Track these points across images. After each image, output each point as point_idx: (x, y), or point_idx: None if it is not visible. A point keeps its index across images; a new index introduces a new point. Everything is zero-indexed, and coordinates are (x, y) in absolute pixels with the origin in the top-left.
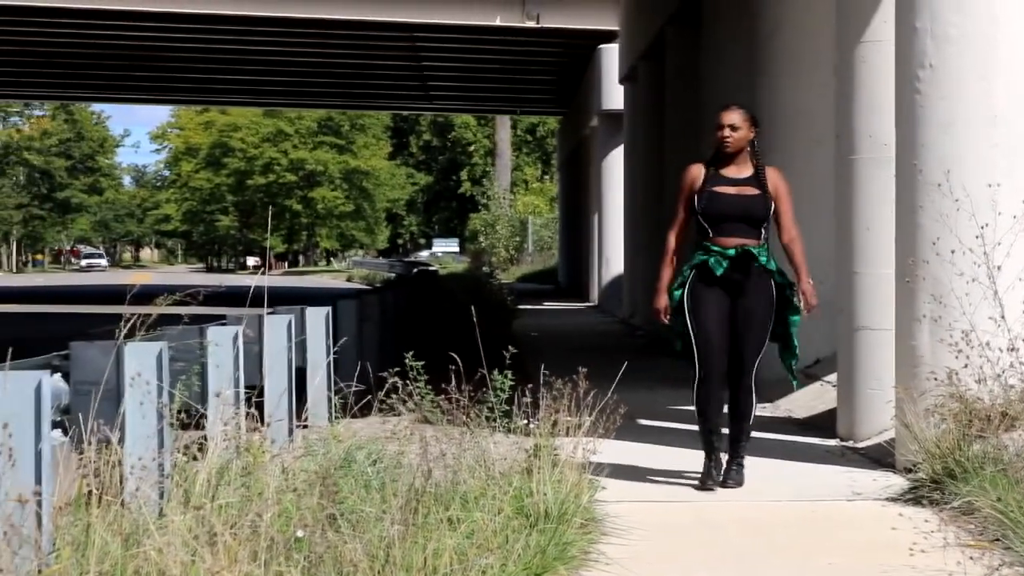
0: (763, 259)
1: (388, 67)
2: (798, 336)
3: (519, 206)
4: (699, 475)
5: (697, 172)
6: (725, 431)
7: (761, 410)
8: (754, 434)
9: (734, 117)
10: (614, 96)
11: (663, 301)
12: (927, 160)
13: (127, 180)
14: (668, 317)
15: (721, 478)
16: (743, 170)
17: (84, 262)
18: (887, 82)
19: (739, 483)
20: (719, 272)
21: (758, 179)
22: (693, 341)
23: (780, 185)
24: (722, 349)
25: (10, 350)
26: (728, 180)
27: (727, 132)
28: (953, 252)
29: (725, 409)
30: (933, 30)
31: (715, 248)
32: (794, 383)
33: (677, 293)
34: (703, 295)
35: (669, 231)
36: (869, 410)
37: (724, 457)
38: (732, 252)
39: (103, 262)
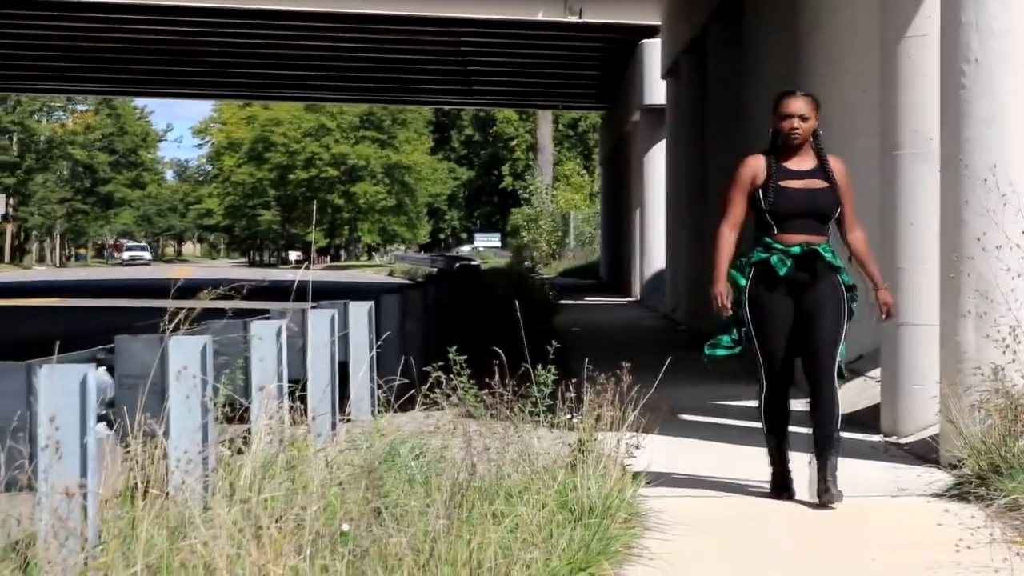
0: (828, 256)
1: (431, 62)
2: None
3: (560, 201)
4: (767, 483)
5: (758, 165)
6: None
7: (804, 405)
8: (794, 429)
9: (802, 106)
10: (656, 91)
11: (722, 286)
12: (972, 155)
13: (169, 175)
14: (729, 303)
15: (816, 494)
16: (806, 161)
17: (127, 255)
18: (932, 77)
19: (839, 498)
20: (783, 272)
21: (824, 171)
22: (757, 351)
23: (843, 177)
24: (790, 360)
25: (57, 343)
26: (793, 173)
27: (796, 123)
28: (999, 247)
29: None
30: (978, 24)
31: (778, 246)
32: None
33: (741, 280)
34: (766, 301)
35: (724, 225)
36: (913, 406)
37: (796, 467)
38: (796, 250)
39: (146, 255)
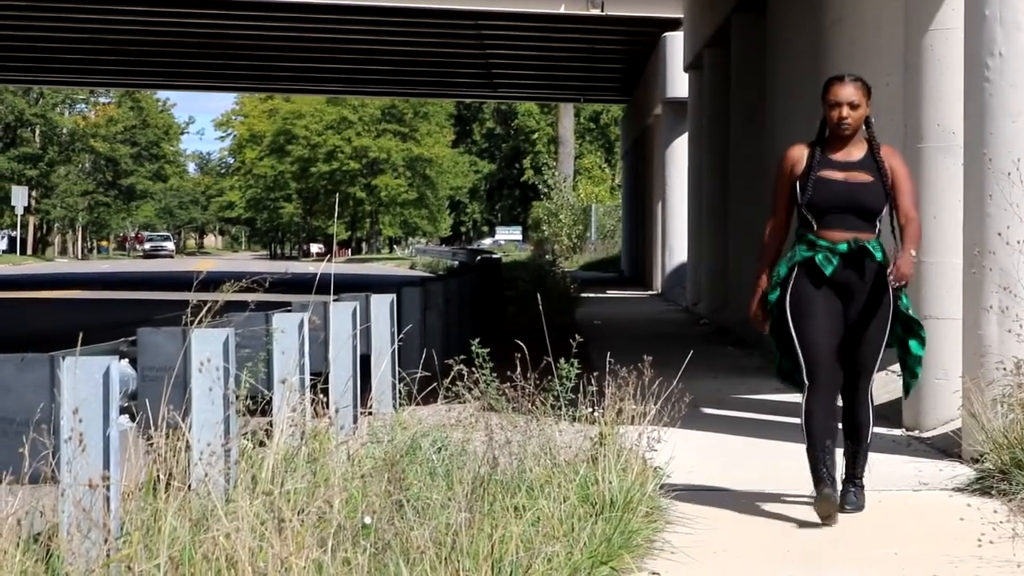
0: (879, 255)
1: (452, 55)
2: (922, 343)
3: (581, 194)
4: (810, 499)
5: (799, 155)
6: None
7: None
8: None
9: (851, 92)
10: (679, 84)
11: (757, 306)
12: (996, 149)
13: (191, 167)
14: (767, 327)
15: (840, 501)
16: (854, 151)
17: (148, 245)
18: (956, 70)
19: (859, 507)
20: (829, 271)
21: (873, 161)
22: (799, 350)
23: (898, 167)
24: (833, 358)
25: (80, 335)
26: (836, 164)
27: (846, 111)
28: (1020, 242)
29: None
30: (1003, 17)
31: (822, 243)
32: (905, 395)
33: (773, 296)
34: (809, 297)
35: (767, 226)
36: (935, 400)
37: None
38: (844, 247)
39: (169, 246)
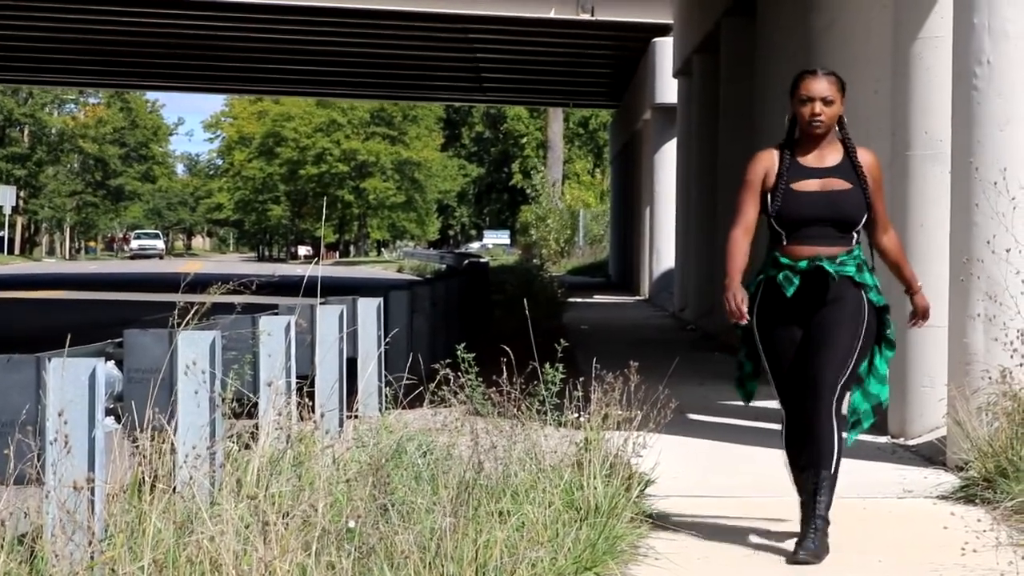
0: (848, 269)
1: (442, 59)
2: (885, 378)
3: (568, 199)
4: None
5: (769, 161)
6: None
7: None
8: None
9: (825, 87)
10: (668, 90)
11: (737, 295)
12: (983, 157)
13: (180, 168)
14: (745, 307)
15: (794, 548)
16: (828, 156)
17: (135, 244)
18: (943, 78)
19: (816, 555)
20: (790, 292)
21: (851, 166)
22: (772, 381)
23: (875, 172)
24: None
25: (68, 337)
26: (810, 171)
27: (819, 108)
28: (1008, 251)
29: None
30: (991, 26)
31: (785, 260)
32: (849, 437)
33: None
34: (775, 323)
35: (734, 230)
36: (921, 407)
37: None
38: (804, 265)
39: (158, 245)
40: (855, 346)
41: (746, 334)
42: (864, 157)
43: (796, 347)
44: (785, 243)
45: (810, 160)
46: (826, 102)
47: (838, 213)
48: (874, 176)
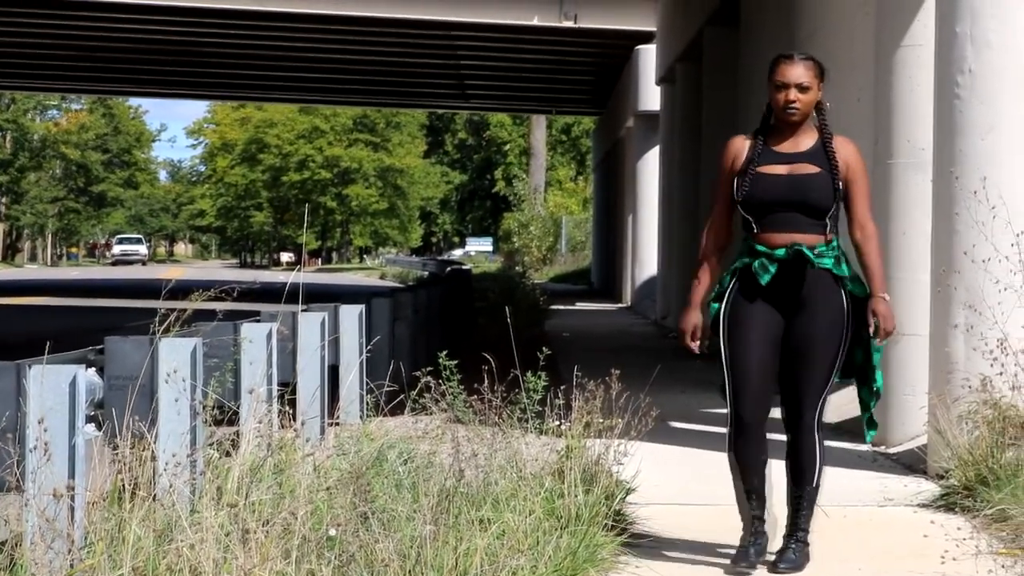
0: (826, 262)
1: (425, 65)
2: (880, 368)
3: (550, 206)
4: (735, 548)
5: (739, 147)
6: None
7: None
8: (783, 437)
9: (801, 72)
10: (651, 97)
11: (692, 320)
12: (964, 166)
13: (163, 175)
14: (701, 342)
15: (774, 559)
16: (802, 142)
17: (117, 249)
18: (926, 87)
19: (796, 567)
20: (765, 280)
21: (824, 152)
22: (727, 373)
23: (854, 161)
24: (766, 384)
25: (48, 344)
26: (780, 156)
27: (793, 94)
28: (988, 260)
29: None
30: (973, 35)
31: (760, 248)
32: (868, 435)
33: (714, 307)
34: (744, 312)
35: (705, 229)
36: (902, 416)
37: (772, 527)
38: (781, 253)
39: (141, 250)
40: (837, 361)
41: (718, 340)
42: (843, 146)
43: (766, 343)
44: (757, 231)
45: (784, 146)
46: (801, 88)
47: (803, 197)
48: (852, 166)
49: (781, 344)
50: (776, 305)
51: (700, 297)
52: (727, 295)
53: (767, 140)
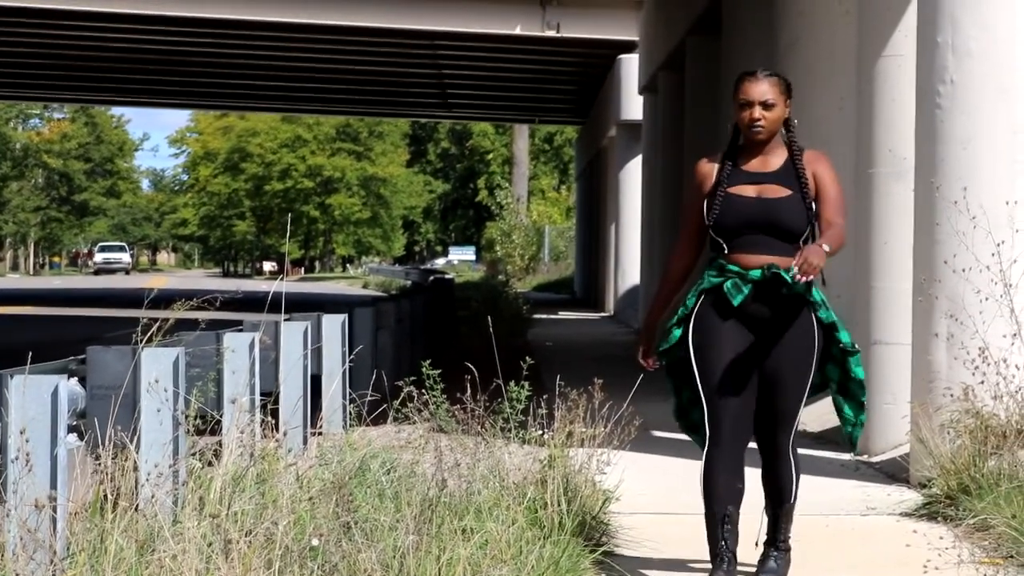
0: (799, 287)
1: (408, 75)
2: (865, 388)
3: (534, 215)
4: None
5: (707, 169)
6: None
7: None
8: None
9: (765, 90)
10: (633, 106)
11: (645, 345)
12: (945, 176)
13: (145, 184)
14: (655, 365)
15: (756, 569)
16: (771, 161)
17: (99, 257)
18: (907, 96)
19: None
20: (737, 302)
21: (793, 171)
22: (701, 394)
23: (825, 174)
24: (741, 408)
25: (30, 354)
26: (749, 176)
27: (758, 112)
28: (969, 269)
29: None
30: (954, 45)
31: (732, 268)
32: (854, 446)
33: (676, 333)
34: (715, 331)
35: (672, 253)
36: (884, 425)
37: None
38: (756, 274)
39: (124, 258)
40: (808, 383)
41: (674, 363)
42: (812, 162)
43: (739, 364)
44: (729, 252)
45: (752, 165)
46: (766, 106)
47: (774, 222)
48: (820, 178)
49: (752, 365)
50: (748, 326)
51: (657, 318)
52: (693, 316)
53: (736, 160)
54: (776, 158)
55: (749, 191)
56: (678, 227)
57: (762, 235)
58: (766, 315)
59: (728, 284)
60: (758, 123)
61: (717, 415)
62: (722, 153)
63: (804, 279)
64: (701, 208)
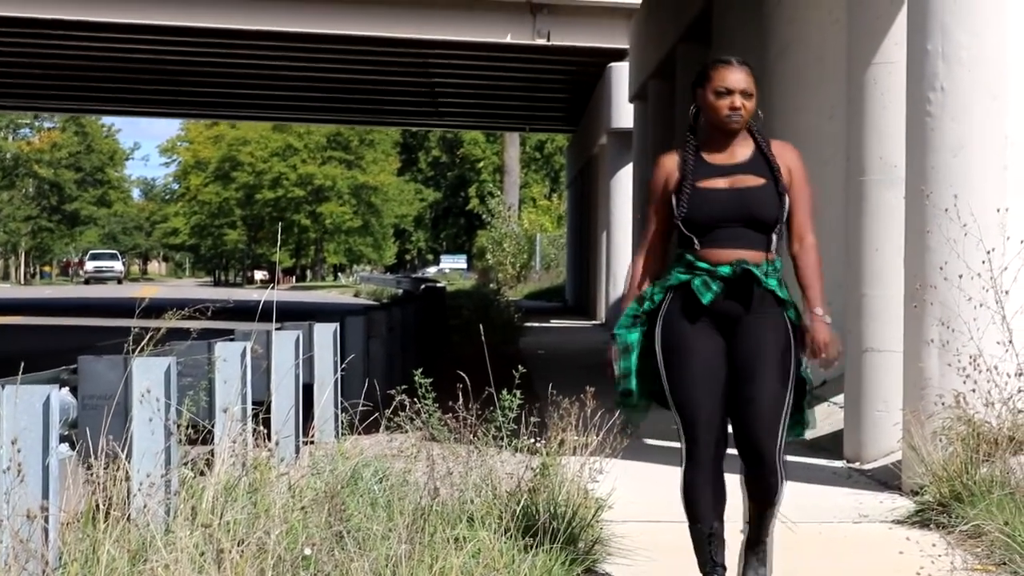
0: (771, 282)
1: (399, 83)
2: (809, 403)
3: (525, 224)
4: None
5: (671, 164)
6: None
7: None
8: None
9: (743, 79)
10: (624, 114)
11: (612, 353)
12: (936, 183)
13: (136, 193)
14: (617, 368)
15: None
16: (739, 152)
17: (90, 266)
18: (898, 104)
19: None
20: (707, 300)
21: (764, 160)
22: (672, 405)
23: (795, 167)
24: (717, 416)
25: (22, 364)
26: (717, 169)
27: (739, 101)
28: (961, 277)
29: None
30: (944, 52)
31: (702, 265)
32: (796, 431)
33: (632, 337)
34: (683, 336)
35: (636, 253)
36: (876, 432)
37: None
38: (727, 271)
39: (116, 266)
40: (790, 375)
41: (635, 370)
42: (782, 152)
43: (713, 369)
44: (699, 247)
45: (718, 158)
46: (746, 95)
47: (750, 213)
48: (794, 172)
49: (725, 368)
50: (717, 326)
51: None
52: (660, 316)
53: (698, 152)
54: (743, 148)
55: (720, 183)
56: (641, 232)
57: (735, 227)
58: (737, 313)
59: (697, 282)
60: (739, 112)
61: (694, 432)
62: (683, 146)
63: (824, 365)
64: (668, 205)
